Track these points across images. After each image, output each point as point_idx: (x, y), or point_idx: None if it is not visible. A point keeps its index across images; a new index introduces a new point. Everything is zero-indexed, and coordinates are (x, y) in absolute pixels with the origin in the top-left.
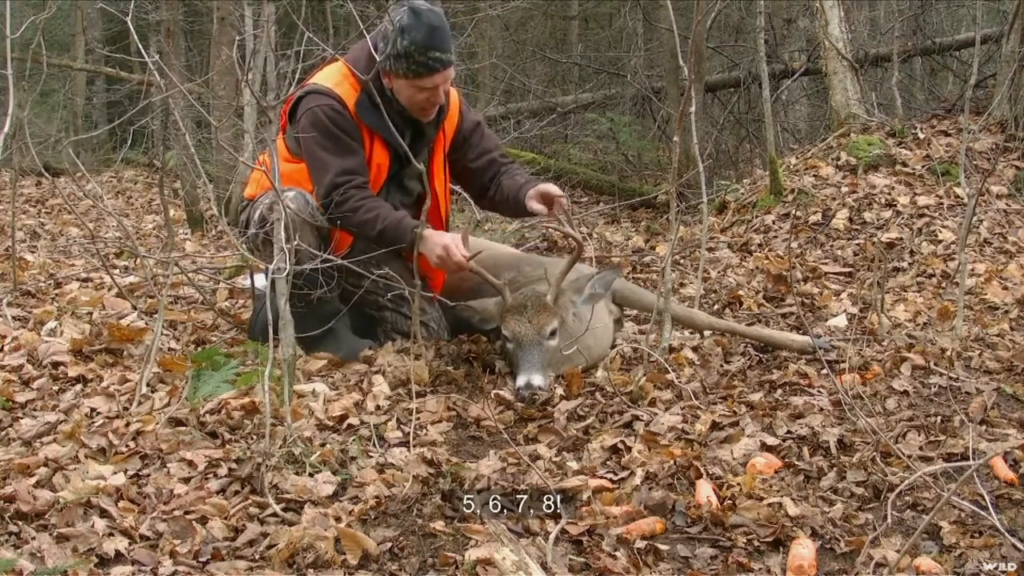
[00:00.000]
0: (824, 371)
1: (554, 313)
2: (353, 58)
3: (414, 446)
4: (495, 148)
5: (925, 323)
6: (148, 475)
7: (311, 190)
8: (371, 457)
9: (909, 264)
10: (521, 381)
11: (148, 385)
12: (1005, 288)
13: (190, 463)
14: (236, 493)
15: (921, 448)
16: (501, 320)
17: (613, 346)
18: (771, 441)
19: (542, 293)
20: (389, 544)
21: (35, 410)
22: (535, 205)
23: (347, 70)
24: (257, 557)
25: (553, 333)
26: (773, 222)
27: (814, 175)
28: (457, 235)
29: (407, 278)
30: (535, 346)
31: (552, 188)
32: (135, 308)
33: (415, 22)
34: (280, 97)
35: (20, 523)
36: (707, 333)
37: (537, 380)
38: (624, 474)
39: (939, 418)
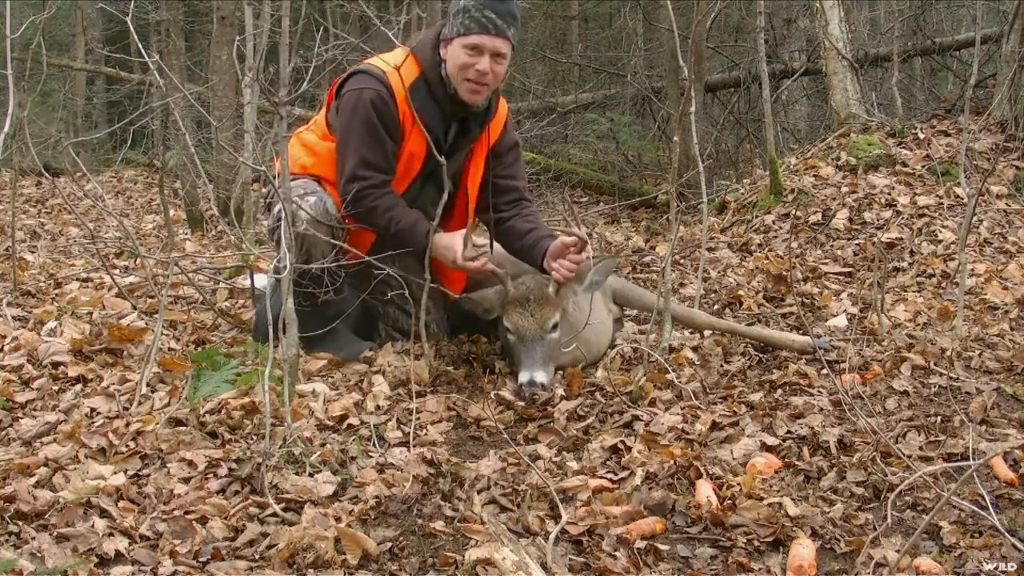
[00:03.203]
0: (824, 371)
1: (556, 305)
2: (420, 41)
3: (414, 446)
4: (522, 178)
5: (925, 323)
6: (148, 475)
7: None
8: (371, 457)
9: (909, 264)
10: (524, 378)
11: (148, 385)
12: (1005, 288)
13: (190, 463)
14: (236, 493)
15: (921, 448)
16: (502, 311)
17: (613, 346)
18: (771, 441)
19: (544, 283)
20: (389, 544)
21: (35, 410)
22: (551, 265)
23: (411, 59)
24: (257, 557)
25: (555, 326)
26: (773, 222)
27: (814, 175)
28: (462, 232)
29: (420, 276)
30: (537, 341)
31: (565, 240)
32: (135, 308)
33: None
34: (292, 94)
35: (20, 523)
36: (707, 333)
37: (540, 377)
38: (624, 474)
39: (939, 418)
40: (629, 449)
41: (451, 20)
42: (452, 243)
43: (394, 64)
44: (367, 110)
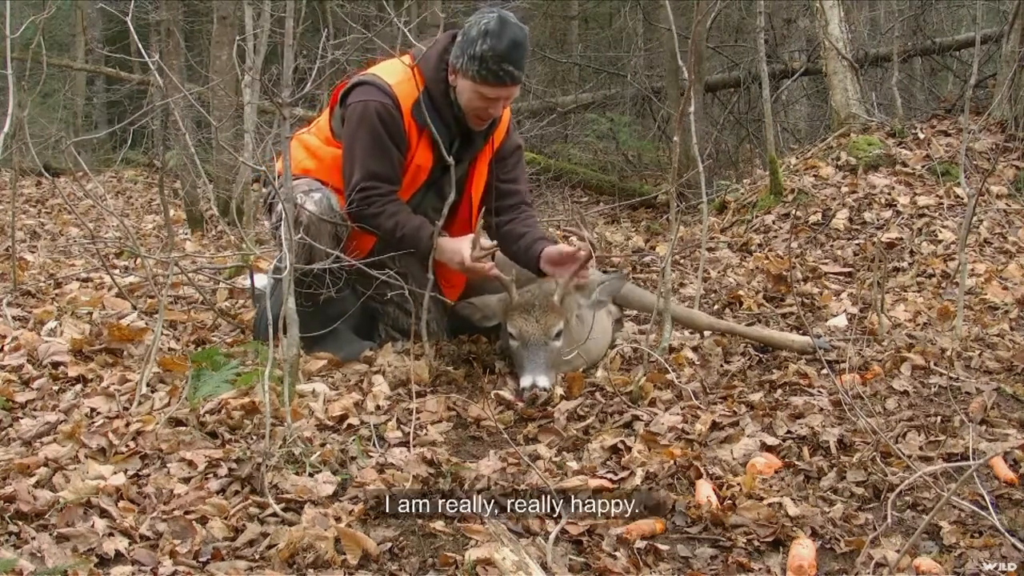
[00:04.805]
0: (824, 371)
1: (560, 314)
2: (424, 54)
3: (414, 446)
4: (523, 181)
5: (925, 323)
6: (148, 475)
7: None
8: (371, 457)
9: (909, 264)
10: (526, 382)
11: (148, 385)
12: (1005, 288)
13: (190, 463)
14: (236, 493)
15: (921, 448)
16: (507, 317)
17: (613, 346)
18: (771, 441)
19: (549, 292)
20: (389, 544)
21: (35, 410)
22: (548, 269)
23: (413, 68)
24: (257, 557)
25: (559, 334)
26: (773, 222)
27: (814, 175)
28: (470, 237)
29: (421, 277)
30: (541, 347)
31: (566, 249)
32: (135, 308)
33: (500, 30)
34: (295, 95)
35: (20, 523)
36: (707, 333)
37: (542, 381)
38: (624, 474)
39: (939, 418)
40: (629, 449)
41: (463, 56)
42: (459, 247)
43: (395, 79)
44: (372, 121)
